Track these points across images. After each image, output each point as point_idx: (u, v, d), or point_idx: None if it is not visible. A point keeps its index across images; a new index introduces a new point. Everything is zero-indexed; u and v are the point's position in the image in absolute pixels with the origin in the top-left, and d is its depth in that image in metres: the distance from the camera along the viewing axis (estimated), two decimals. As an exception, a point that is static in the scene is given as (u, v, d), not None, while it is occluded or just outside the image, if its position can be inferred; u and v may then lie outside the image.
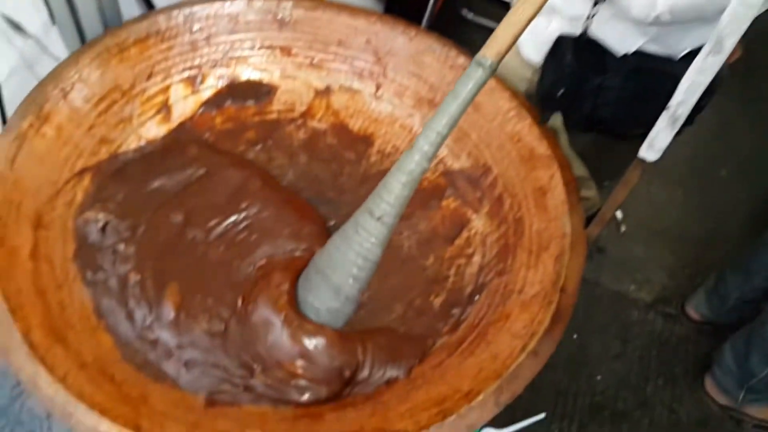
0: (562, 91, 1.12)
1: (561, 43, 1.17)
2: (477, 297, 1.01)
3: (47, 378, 0.77)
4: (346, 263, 0.92)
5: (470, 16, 2.11)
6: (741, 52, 2.07)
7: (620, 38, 1.13)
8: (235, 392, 0.90)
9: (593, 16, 1.12)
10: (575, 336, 1.45)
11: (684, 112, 0.79)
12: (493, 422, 1.32)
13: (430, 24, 1.91)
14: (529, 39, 1.20)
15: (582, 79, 1.04)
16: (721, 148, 1.87)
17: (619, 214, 1.69)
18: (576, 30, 1.16)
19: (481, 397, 0.77)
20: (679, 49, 1.14)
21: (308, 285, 0.98)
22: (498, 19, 2.15)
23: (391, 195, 0.88)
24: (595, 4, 1.11)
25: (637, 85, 1.12)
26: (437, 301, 1.03)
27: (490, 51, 0.87)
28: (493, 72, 0.88)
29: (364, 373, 0.91)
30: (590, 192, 1.58)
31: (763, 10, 0.70)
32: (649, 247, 1.64)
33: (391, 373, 0.91)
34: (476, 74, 0.86)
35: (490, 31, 2.14)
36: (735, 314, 1.46)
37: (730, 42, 0.72)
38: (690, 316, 1.52)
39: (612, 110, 1.16)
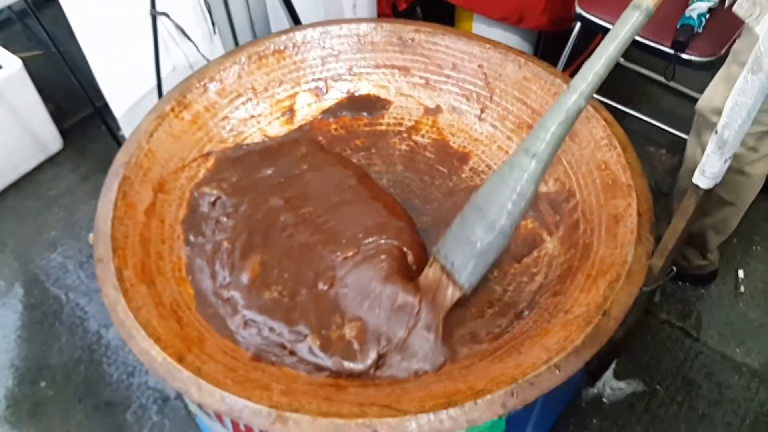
0: None
1: None
2: (527, 313, 0.99)
3: (124, 306, 0.92)
4: (501, 198, 0.94)
5: (621, 61, 2.07)
6: None
7: None
8: (280, 354, 0.98)
9: None
10: (658, 387, 1.32)
11: (731, 135, 0.73)
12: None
13: (576, 67, 1.90)
14: None
15: None
16: None
17: (740, 274, 1.52)
18: None
19: (488, 397, 0.77)
20: None
21: (463, 222, 1.01)
22: (648, 66, 2.06)
23: (546, 132, 0.91)
24: None
25: None
26: (489, 312, 1.03)
27: None
28: (650, 15, 0.87)
29: (396, 358, 0.94)
30: (707, 259, 1.46)
31: None
32: (766, 315, 1.45)
33: (419, 369, 0.93)
34: (633, 16, 0.88)
35: (638, 77, 2.04)
36: None
37: None
38: None
39: None
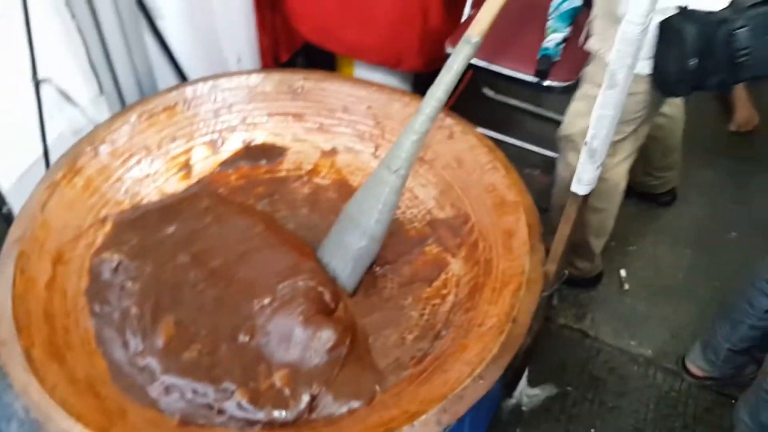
0: (695, 61, 1.11)
1: (667, 27, 1.16)
2: (444, 333, 1.05)
3: (37, 387, 0.87)
4: (370, 209, 1.11)
5: (491, 94, 2.24)
6: (758, 121, 2.09)
7: None
8: (208, 414, 0.96)
9: None
10: (569, 388, 1.44)
11: (599, 144, 0.85)
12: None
13: (454, 102, 2.04)
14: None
15: (709, 37, 1.05)
16: (732, 211, 1.87)
17: (622, 273, 1.70)
18: (669, 11, 1.16)
19: (423, 418, 0.81)
20: None
21: (339, 231, 1.17)
22: (516, 96, 2.25)
23: (403, 151, 1.09)
24: None
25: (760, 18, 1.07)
26: (410, 337, 1.08)
27: (474, 31, 1.08)
28: (477, 47, 1.08)
29: (328, 398, 0.96)
30: (593, 263, 1.62)
31: (641, 47, 0.77)
32: (652, 305, 1.63)
33: (353, 404, 0.96)
34: (465, 49, 1.08)
35: (508, 107, 2.24)
36: (729, 365, 1.41)
37: (621, 76, 0.79)
38: (691, 372, 1.48)
39: (750, 50, 1.09)
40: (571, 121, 1.41)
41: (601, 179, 1.40)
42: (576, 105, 1.40)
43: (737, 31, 1.00)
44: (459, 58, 1.08)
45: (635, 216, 1.83)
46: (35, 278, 1.06)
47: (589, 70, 1.33)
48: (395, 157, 1.10)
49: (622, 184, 1.48)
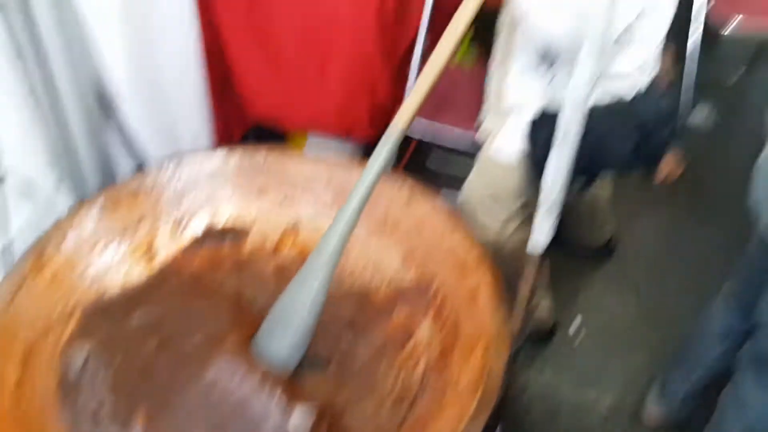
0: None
1: (537, 123, 1.33)
2: (420, 395, 1.09)
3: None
4: (301, 305, 1.15)
5: (433, 167, 2.36)
6: (683, 169, 2.26)
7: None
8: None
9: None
10: (535, 445, 1.48)
11: (555, 202, 0.94)
12: None
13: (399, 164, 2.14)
14: (509, 147, 1.40)
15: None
16: (671, 257, 2.00)
17: (575, 324, 1.77)
18: (538, 107, 1.35)
19: (411, 480, 0.84)
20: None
21: (271, 325, 1.18)
22: (458, 168, 2.37)
23: (332, 242, 1.13)
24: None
25: (605, 121, 1.22)
26: (389, 401, 1.11)
27: (400, 120, 1.14)
28: (402, 135, 1.15)
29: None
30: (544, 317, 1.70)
31: (588, 104, 0.89)
32: (606, 354, 1.65)
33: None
34: (391, 138, 1.14)
35: (450, 178, 2.35)
36: (686, 409, 1.49)
37: (573, 132, 0.89)
38: (648, 419, 1.54)
39: (590, 149, 1.18)
40: (467, 194, 1.55)
41: (499, 250, 1.50)
42: (471, 179, 1.55)
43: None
44: (388, 144, 1.15)
45: (581, 268, 1.93)
46: (5, 376, 1.05)
47: (482, 151, 1.49)
48: (323, 251, 1.13)
49: (521, 251, 1.58)
